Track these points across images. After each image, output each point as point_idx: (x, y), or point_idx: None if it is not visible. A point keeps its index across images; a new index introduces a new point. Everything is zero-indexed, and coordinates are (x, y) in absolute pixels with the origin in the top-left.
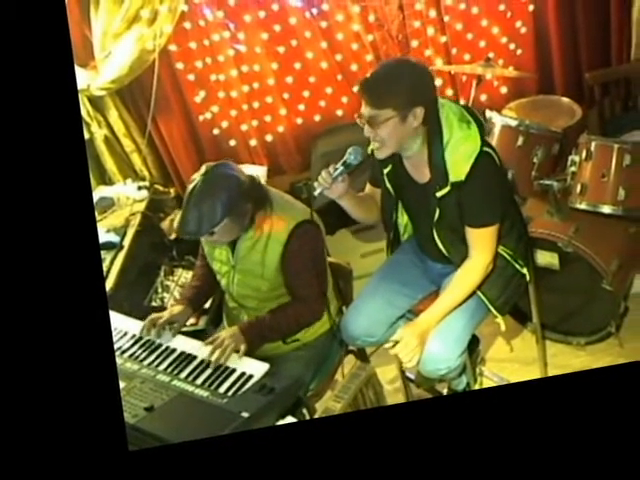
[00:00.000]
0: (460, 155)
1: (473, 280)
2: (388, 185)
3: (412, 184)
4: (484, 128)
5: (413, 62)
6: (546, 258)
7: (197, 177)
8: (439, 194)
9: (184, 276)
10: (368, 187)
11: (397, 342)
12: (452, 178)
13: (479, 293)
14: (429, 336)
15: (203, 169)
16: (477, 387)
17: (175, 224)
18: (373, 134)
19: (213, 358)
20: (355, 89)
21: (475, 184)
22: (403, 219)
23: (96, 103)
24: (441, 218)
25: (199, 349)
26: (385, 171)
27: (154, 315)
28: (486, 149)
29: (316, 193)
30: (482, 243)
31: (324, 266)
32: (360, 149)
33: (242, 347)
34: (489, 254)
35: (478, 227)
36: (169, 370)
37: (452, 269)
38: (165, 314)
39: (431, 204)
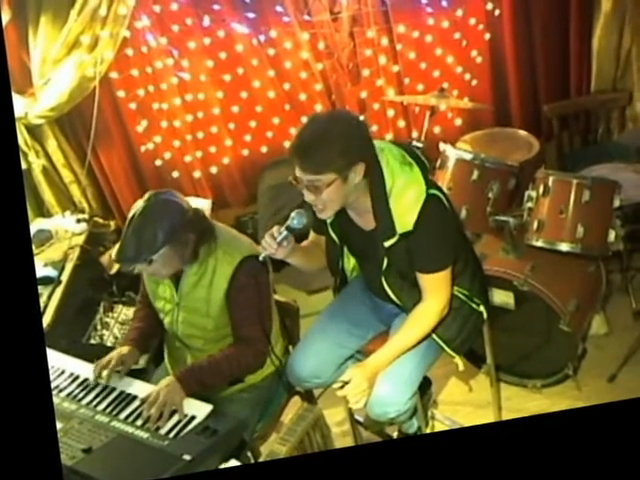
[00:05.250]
0: (406, 202)
1: (427, 324)
2: (332, 235)
3: (358, 231)
4: (427, 169)
5: (344, 115)
6: (501, 297)
7: (139, 204)
8: (387, 244)
9: (124, 313)
10: (312, 235)
11: (346, 383)
12: (400, 229)
13: (435, 336)
14: (378, 378)
15: (146, 196)
16: (429, 431)
17: (113, 252)
18: (314, 198)
19: (151, 417)
20: (306, 116)
21: (424, 231)
22: (350, 263)
23: (34, 132)
24: (389, 266)
25: (139, 389)
26: (328, 221)
27: (101, 360)
28: (432, 191)
29: (261, 258)
30: (435, 288)
31: (270, 303)
32: (303, 212)
33: (180, 401)
34: (444, 298)
35: (431, 272)
36: (108, 410)
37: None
38: (114, 357)
39: (379, 252)
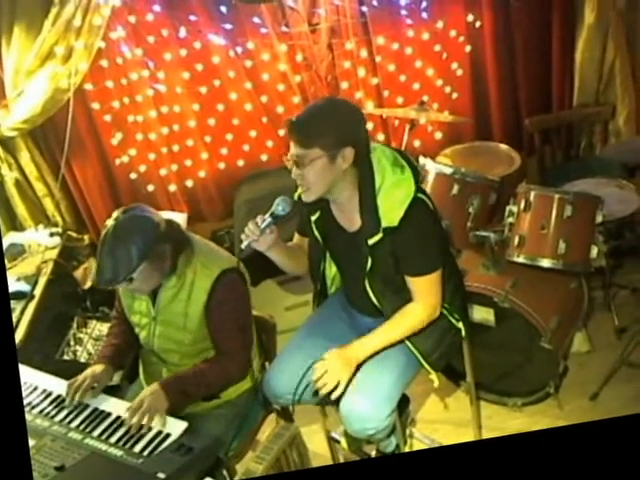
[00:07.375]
0: (393, 200)
1: (414, 322)
2: (316, 233)
3: (341, 232)
4: (419, 174)
5: (343, 101)
6: (481, 313)
7: (109, 223)
8: (371, 241)
9: (98, 328)
10: (296, 236)
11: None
12: (384, 223)
13: (412, 348)
14: (356, 389)
15: (114, 215)
16: (407, 449)
17: (91, 274)
18: (300, 176)
19: (132, 425)
20: (283, 129)
21: (409, 231)
22: (331, 270)
23: (7, 144)
24: (373, 268)
25: (113, 406)
26: (313, 218)
27: (74, 381)
28: (420, 195)
29: (243, 246)
30: (425, 292)
31: (249, 317)
32: (288, 199)
33: (163, 408)
34: (433, 302)
35: (418, 275)
36: (81, 428)
37: (381, 322)
38: (88, 376)
39: (362, 253)
